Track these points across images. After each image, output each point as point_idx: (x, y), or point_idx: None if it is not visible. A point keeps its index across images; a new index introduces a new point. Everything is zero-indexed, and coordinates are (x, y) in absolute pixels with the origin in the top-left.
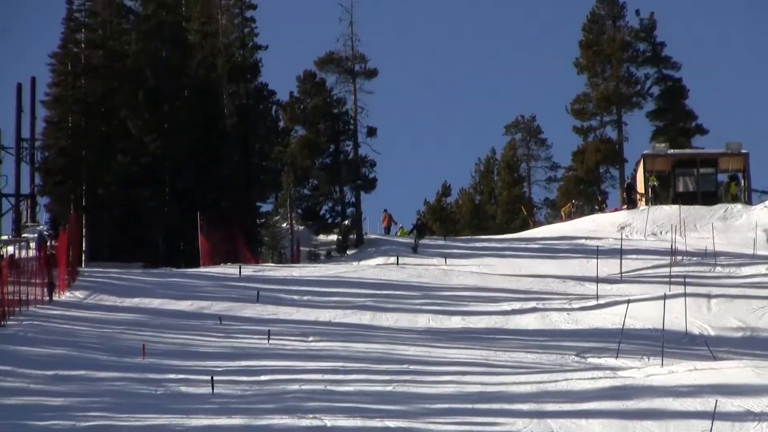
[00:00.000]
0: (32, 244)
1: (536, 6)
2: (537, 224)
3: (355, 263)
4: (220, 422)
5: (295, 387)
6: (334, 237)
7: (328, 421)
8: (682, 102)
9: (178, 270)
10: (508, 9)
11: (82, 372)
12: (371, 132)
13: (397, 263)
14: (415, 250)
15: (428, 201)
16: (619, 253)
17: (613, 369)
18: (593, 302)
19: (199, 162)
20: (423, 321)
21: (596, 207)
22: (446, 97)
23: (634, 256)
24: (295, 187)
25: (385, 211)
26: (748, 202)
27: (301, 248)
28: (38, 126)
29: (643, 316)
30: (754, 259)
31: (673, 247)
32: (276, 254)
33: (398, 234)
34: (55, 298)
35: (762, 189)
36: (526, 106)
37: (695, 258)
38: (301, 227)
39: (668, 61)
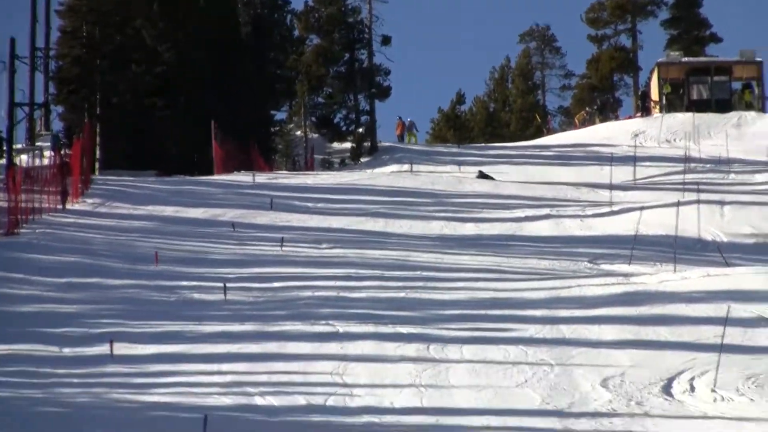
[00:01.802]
0: (46, 152)
1: None
2: (551, 132)
3: (368, 171)
4: (233, 328)
5: (308, 294)
6: (348, 145)
7: (341, 328)
8: (696, 10)
9: (192, 178)
10: None
11: (95, 279)
12: (386, 41)
13: (411, 170)
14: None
15: (442, 109)
16: (633, 160)
17: (625, 275)
18: (607, 209)
19: (214, 71)
20: (436, 228)
21: (610, 114)
22: (461, 5)
23: (648, 163)
24: (310, 96)
25: (399, 118)
26: (762, 109)
27: (315, 156)
28: (53, 35)
29: (657, 222)
30: None
31: (687, 154)
32: (290, 162)
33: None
34: (69, 206)
35: None
36: (541, 14)
37: (709, 165)
38: (315, 135)
39: None
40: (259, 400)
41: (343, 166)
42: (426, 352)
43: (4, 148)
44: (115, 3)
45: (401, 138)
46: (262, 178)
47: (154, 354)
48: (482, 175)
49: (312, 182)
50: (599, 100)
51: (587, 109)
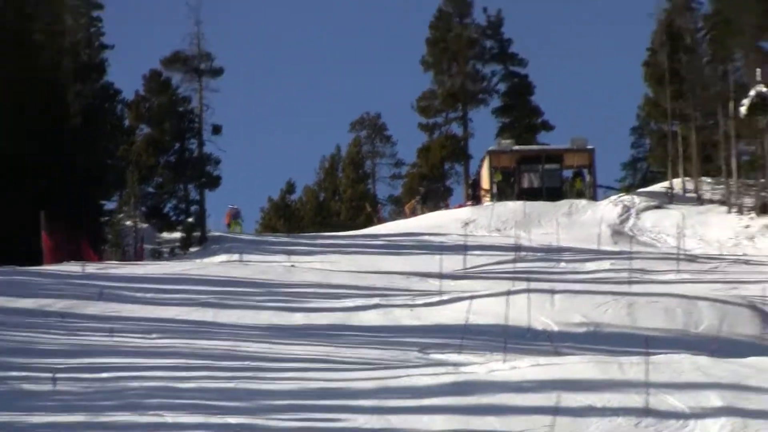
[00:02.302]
0: None
1: (383, 3)
2: (382, 221)
3: (198, 260)
4: (62, 419)
5: (137, 384)
6: (178, 234)
7: (170, 418)
8: (528, 98)
9: (22, 268)
10: (355, 5)
11: None
12: (216, 130)
13: (241, 260)
14: None
15: (272, 198)
16: (464, 249)
17: (455, 365)
18: (437, 298)
19: (43, 160)
20: (266, 317)
21: (440, 203)
22: (292, 94)
23: (479, 252)
24: (140, 185)
25: (231, 207)
26: (593, 197)
27: (145, 246)
28: None
29: (487, 312)
30: (599, 254)
31: (518, 242)
32: (119, 252)
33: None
34: None
35: (607, 185)
36: (372, 103)
37: (540, 254)
38: (145, 225)
39: (515, 57)
40: None
41: (172, 255)
42: None
43: None
44: None
45: (230, 227)
46: (92, 268)
47: None
48: None
49: (142, 272)
50: (422, 188)
51: (417, 197)
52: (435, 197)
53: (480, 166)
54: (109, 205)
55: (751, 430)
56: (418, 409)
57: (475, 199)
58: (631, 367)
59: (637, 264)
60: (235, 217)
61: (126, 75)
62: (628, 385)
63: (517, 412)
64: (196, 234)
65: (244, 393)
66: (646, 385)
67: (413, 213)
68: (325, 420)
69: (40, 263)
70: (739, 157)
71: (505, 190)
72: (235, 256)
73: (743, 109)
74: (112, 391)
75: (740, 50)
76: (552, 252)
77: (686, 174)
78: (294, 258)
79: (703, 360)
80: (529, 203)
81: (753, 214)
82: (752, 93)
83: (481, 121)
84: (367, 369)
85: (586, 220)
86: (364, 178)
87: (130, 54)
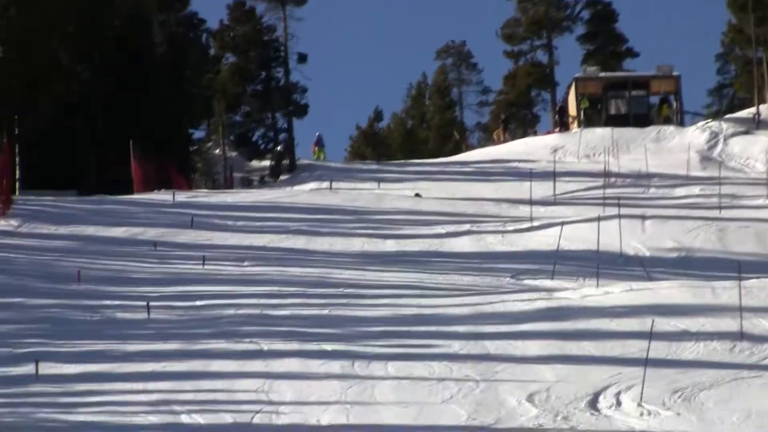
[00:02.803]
0: None
1: None
2: (469, 148)
3: (288, 188)
4: (157, 347)
5: (231, 312)
6: (267, 163)
7: (265, 345)
8: (612, 25)
9: (112, 197)
10: None
11: (18, 299)
12: (302, 58)
13: (331, 188)
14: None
15: (360, 126)
16: (553, 175)
17: (548, 290)
18: (527, 224)
19: (131, 90)
20: (358, 244)
21: (529, 130)
22: (377, 22)
23: (568, 179)
24: (227, 114)
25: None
26: (681, 123)
27: (234, 174)
28: None
29: (578, 237)
30: (688, 180)
31: (607, 169)
32: (209, 180)
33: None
34: None
35: (694, 111)
36: (457, 31)
37: (629, 179)
38: (234, 153)
39: None
40: (185, 419)
41: (262, 184)
42: (351, 369)
43: None
44: (30, 27)
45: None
46: (182, 196)
47: (80, 373)
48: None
49: (232, 200)
50: (503, 114)
51: (505, 123)
52: (518, 123)
53: (566, 93)
54: (198, 134)
55: None
56: (513, 335)
57: (563, 125)
58: (724, 291)
59: (726, 189)
60: (318, 144)
61: (210, 4)
62: (721, 309)
63: (611, 336)
64: (285, 162)
65: (339, 320)
66: (739, 310)
67: (501, 140)
68: (421, 346)
69: (130, 192)
70: None
71: (592, 117)
72: (325, 184)
73: None
74: (206, 319)
75: None
76: (641, 178)
77: None
78: (383, 185)
79: None
80: (616, 129)
81: None
82: None
83: (565, 49)
84: (460, 295)
85: (673, 146)
86: (451, 105)
87: None
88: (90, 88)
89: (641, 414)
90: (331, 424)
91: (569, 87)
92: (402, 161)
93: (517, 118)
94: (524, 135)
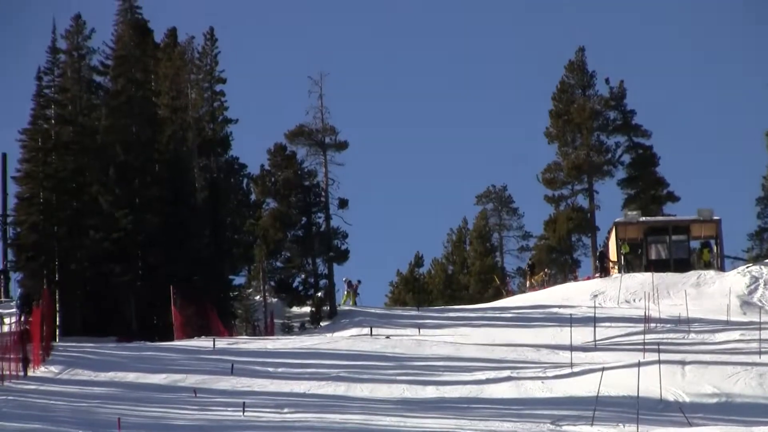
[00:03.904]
0: (6, 318)
1: (506, 75)
2: (510, 293)
3: (328, 334)
4: None
5: None
6: (307, 309)
7: None
8: (653, 169)
9: (152, 343)
10: (477, 78)
11: None
12: (343, 204)
13: (371, 334)
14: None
15: (401, 272)
16: (593, 321)
17: None
18: (567, 370)
19: (171, 236)
20: (398, 391)
21: (569, 275)
22: (417, 167)
23: (608, 324)
24: (268, 260)
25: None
26: (721, 268)
27: (275, 320)
28: (10, 202)
29: (618, 383)
30: (728, 325)
31: (647, 314)
32: (250, 327)
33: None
34: (30, 372)
35: (734, 255)
36: (498, 175)
37: (669, 325)
38: (275, 299)
39: (638, 128)
40: None
41: (303, 330)
42: None
43: None
44: (72, 169)
45: (353, 300)
46: (222, 343)
47: None
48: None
49: (272, 347)
50: (530, 259)
51: (546, 270)
52: (559, 269)
53: (607, 238)
54: (238, 280)
55: None
56: None
57: (603, 271)
58: None
59: (767, 334)
60: (350, 288)
61: (251, 149)
62: None
63: None
64: (326, 308)
65: None
66: None
67: (542, 285)
68: None
69: (171, 338)
70: None
71: (633, 262)
72: (365, 330)
73: None
74: None
75: None
76: (681, 323)
77: None
78: (423, 331)
79: None
80: (657, 274)
81: None
82: None
83: (606, 193)
84: None
85: (714, 291)
86: (491, 250)
87: (254, 128)
88: (130, 233)
89: None
90: None
91: (609, 232)
92: (442, 307)
93: (558, 263)
94: (565, 280)
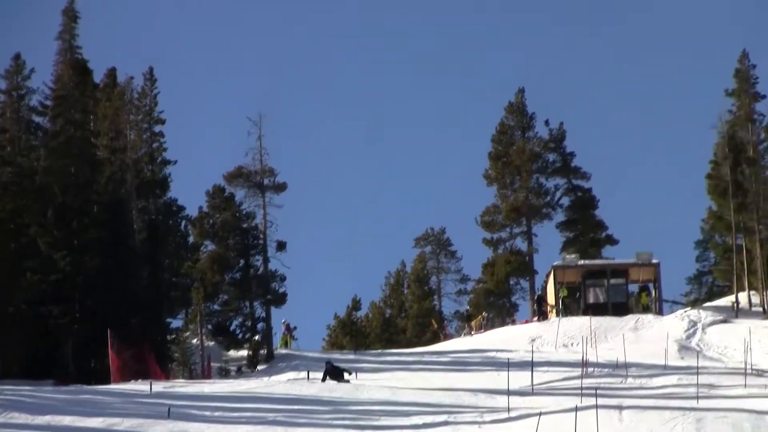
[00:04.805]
0: None
1: (446, 117)
2: (448, 337)
3: (266, 378)
4: None
5: None
6: (244, 352)
7: None
8: (592, 212)
9: (89, 387)
10: (416, 120)
11: None
12: (281, 246)
13: (308, 378)
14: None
15: (338, 315)
16: (531, 365)
17: None
18: (505, 415)
19: (109, 278)
20: None
21: (507, 319)
22: (356, 209)
23: (546, 368)
24: (205, 303)
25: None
26: (660, 312)
27: (212, 364)
28: None
29: (556, 428)
30: (666, 369)
31: (584, 358)
32: (187, 370)
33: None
34: None
35: (673, 299)
36: (436, 218)
37: (606, 369)
38: (212, 343)
39: (578, 171)
40: None
41: (240, 373)
42: None
43: None
44: (10, 210)
45: (285, 344)
46: (159, 386)
47: None
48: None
49: (209, 390)
50: (494, 306)
51: (483, 314)
52: (497, 312)
53: (545, 281)
54: (176, 323)
55: None
56: None
57: (542, 314)
58: None
59: (704, 379)
60: (288, 331)
61: (189, 190)
62: None
63: None
64: (263, 352)
65: None
66: None
67: (479, 329)
68: None
69: (108, 381)
70: None
71: (571, 306)
72: (302, 374)
73: None
74: None
75: None
76: (619, 367)
77: (752, 287)
78: (361, 375)
79: None
80: (595, 318)
81: None
82: None
83: (545, 236)
84: None
85: (652, 335)
86: (429, 294)
87: (193, 169)
88: (68, 275)
89: None
90: None
91: (548, 275)
92: (379, 351)
93: (496, 307)
94: (503, 324)
